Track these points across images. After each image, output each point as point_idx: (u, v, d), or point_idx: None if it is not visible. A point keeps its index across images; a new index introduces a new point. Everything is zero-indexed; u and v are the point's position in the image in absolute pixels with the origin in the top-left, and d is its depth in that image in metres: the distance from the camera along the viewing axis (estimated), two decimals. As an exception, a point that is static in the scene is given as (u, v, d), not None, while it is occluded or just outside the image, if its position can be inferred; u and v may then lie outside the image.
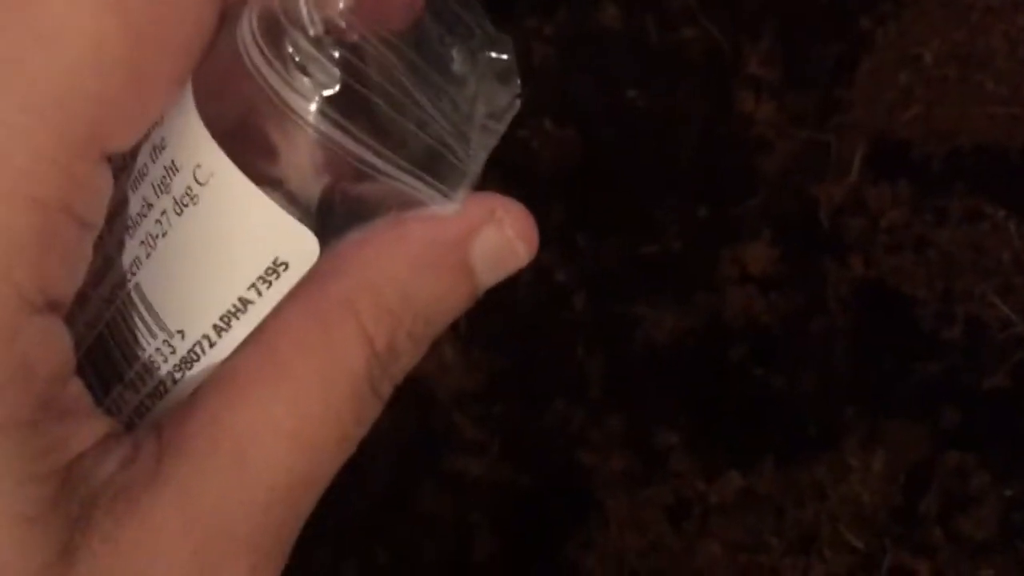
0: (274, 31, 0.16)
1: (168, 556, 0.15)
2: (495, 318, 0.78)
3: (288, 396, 0.16)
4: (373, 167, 0.17)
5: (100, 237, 0.16)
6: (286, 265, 0.17)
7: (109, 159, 0.16)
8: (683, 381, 0.72)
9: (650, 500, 0.68)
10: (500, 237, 0.18)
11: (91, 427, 0.16)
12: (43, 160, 0.14)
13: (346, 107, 0.16)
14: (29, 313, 0.15)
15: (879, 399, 0.66)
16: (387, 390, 0.17)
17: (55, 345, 0.15)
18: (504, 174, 0.77)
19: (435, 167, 0.17)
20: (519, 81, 0.19)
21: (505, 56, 0.18)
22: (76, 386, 0.16)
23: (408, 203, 0.17)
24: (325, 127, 0.16)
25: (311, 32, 0.16)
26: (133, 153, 0.17)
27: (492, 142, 0.18)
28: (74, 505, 0.15)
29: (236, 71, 0.16)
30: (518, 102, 0.19)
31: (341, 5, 0.16)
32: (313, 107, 0.16)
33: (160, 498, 0.16)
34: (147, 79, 0.15)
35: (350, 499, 0.70)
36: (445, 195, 0.17)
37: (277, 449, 0.16)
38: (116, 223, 0.18)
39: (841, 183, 0.72)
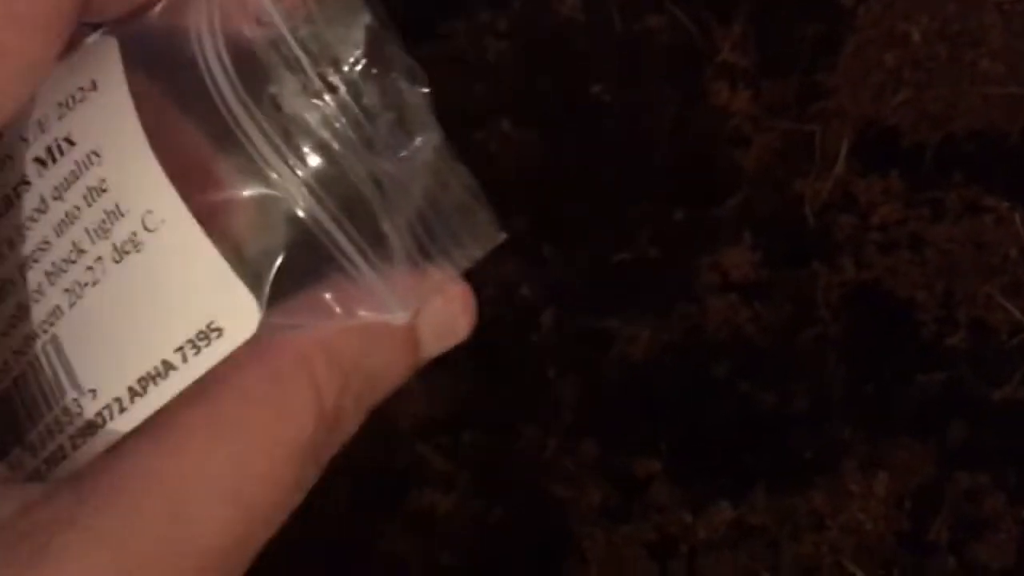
0: (257, 71, 0.16)
1: None
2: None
3: (231, 451, 0.16)
4: (348, 259, 0.16)
5: (9, 282, 0.16)
6: (220, 332, 0.16)
7: None
8: (663, 402, 0.68)
9: (631, 537, 0.64)
10: (446, 311, 0.18)
11: None
12: None
13: (329, 184, 0.16)
14: None
15: (879, 415, 0.62)
16: (326, 458, 0.17)
17: None
18: None
19: (399, 277, 0.17)
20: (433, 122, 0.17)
21: (424, 89, 0.17)
22: None
23: (364, 301, 0.17)
24: (304, 203, 0.16)
25: (312, 85, 0.16)
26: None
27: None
28: None
29: (193, 93, 0.16)
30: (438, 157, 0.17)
31: (356, 53, 0.16)
32: (292, 175, 0.16)
33: (81, 545, 0.15)
34: (5, 59, 0.15)
35: (306, 543, 0.67)
36: (404, 307, 0.17)
37: (214, 508, 0.15)
38: (24, 269, 0.17)
39: (827, 177, 0.67)
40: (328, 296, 0.17)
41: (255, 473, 0.16)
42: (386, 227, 0.16)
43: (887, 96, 0.66)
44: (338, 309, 0.17)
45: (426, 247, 0.17)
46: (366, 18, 0.16)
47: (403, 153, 0.16)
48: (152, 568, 0.15)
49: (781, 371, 0.65)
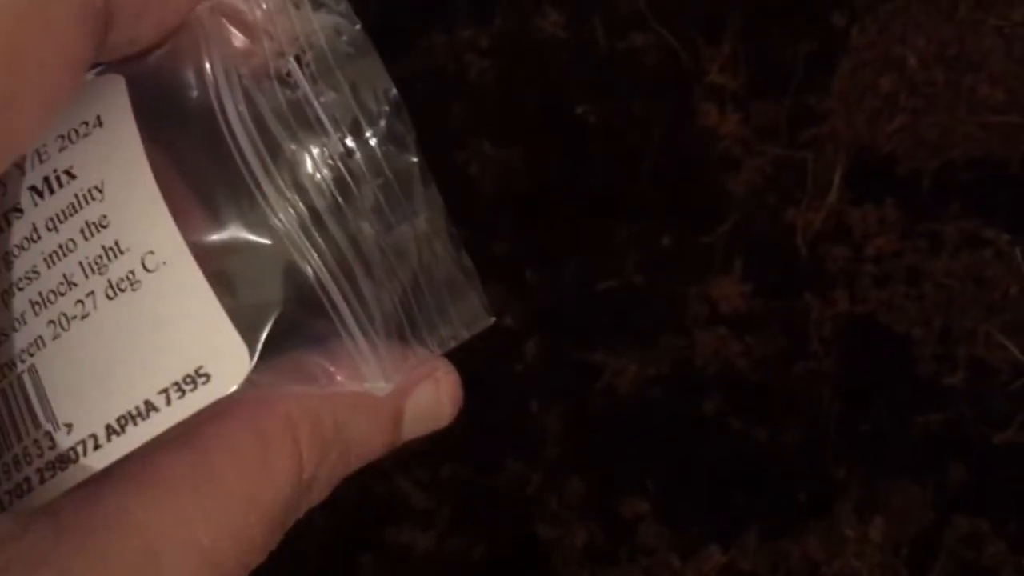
0: (276, 128, 0.16)
1: None
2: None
3: (210, 506, 0.16)
4: (343, 322, 0.16)
5: None
6: (207, 379, 0.16)
7: None
8: (651, 438, 0.65)
9: None
10: (434, 396, 0.19)
11: None
12: None
13: (334, 246, 0.16)
14: None
15: (874, 456, 0.60)
16: (291, 523, 0.17)
17: None
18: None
19: (386, 348, 0.17)
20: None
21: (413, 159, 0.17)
22: None
23: (348, 368, 0.17)
24: (310, 260, 0.16)
25: (330, 149, 0.16)
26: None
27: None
28: None
29: (206, 141, 0.16)
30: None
31: (377, 124, 0.16)
32: (301, 233, 0.16)
33: None
34: (19, 103, 0.15)
35: None
36: (387, 379, 0.17)
37: (186, 562, 0.15)
38: (8, 296, 0.16)
39: (819, 206, 0.65)
40: (315, 359, 0.17)
41: (230, 532, 0.16)
42: (380, 295, 0.17)
43: (882, 122, 0.64)
44: (323, 373, 0.17)
45: (415, 320, 0.17)
46: (390, 89, 0.16)
47: (404, 222, 0.17)
48: None
49: (773, 407, 0.63)
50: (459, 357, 0.18)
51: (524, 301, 0.71)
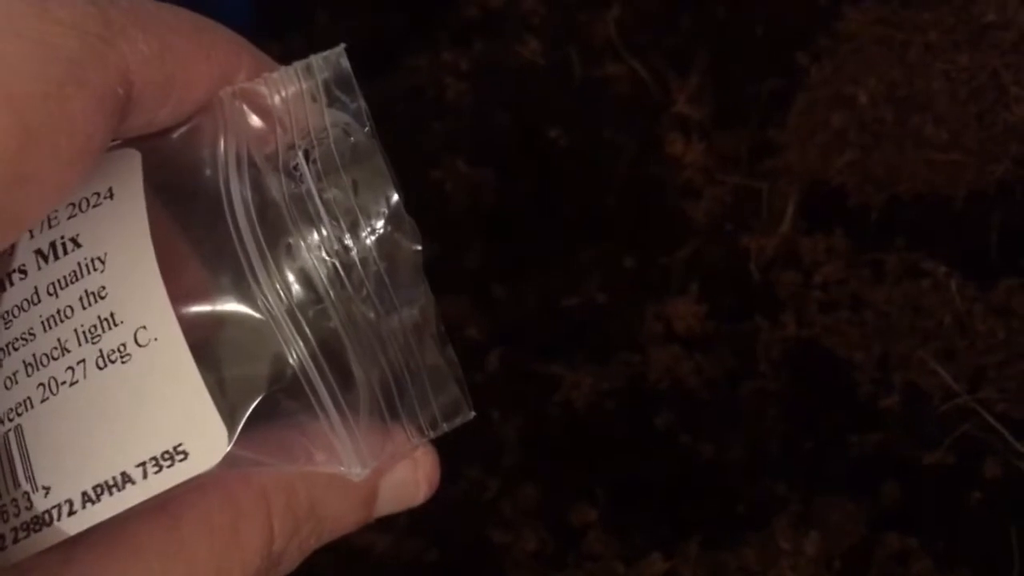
0: (278, 219, 0.16)
1: None
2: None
3: (180, 575, 0.16)
4: (325, 410, 0.16)
5: None
6: (185, 456, 0.16)
7: None
8: (602, 449, 0.67)
9: None
10: (411, 477, 0.19)
11: None
12: None
13: (322, 338, 0.16)
14: None
15: (813, 473, 0.61)
16: None
17: None
18: (414, 218, 0.73)
19: (365, 433, 0.17)
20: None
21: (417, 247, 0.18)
22: None
23: (327, 450, 0.17)
24: (297, 352, 0.16)
25: (327, 245, 0.16)
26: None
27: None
28: None
29: (209, 225, 0.16)
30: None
31: (376, 225, 0.16)
32: (290, 323, 0.16)
33: None
34: (32, 182, 0.15)
35: None
36: (364, 465, 0.17)
37: None
38: (8, 353, 0.17)
39: (773, 233, 0.67)
40: (295, 438, 0.17)
41: None
42: (363, 384, 0.17)
43: (833, 156, 0.66)
44: (303, 453, 0.17)
45: (396, 409, 0.17)
46: (392, 194, 0.17)
47: (394, 313, 0.17)
48: None
49: (720, 423, 0.65)
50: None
51: (489, 314, 0.72)
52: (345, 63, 0.17)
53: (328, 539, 0.18)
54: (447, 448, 0.70)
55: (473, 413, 0.18)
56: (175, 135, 0.17)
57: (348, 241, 0.17)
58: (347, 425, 0.17)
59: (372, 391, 0.17)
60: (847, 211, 0.66)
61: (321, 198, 0.17)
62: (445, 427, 0.18)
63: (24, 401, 0.16)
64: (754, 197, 0.69)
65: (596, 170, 0.77)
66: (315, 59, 0.17)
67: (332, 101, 0.17)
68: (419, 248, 0.17)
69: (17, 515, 0.16)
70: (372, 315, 0.17)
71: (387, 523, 0.68)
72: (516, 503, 0.67)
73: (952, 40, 0.64)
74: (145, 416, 0.16)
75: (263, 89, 0.17)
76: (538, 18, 0.81)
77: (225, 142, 0.17)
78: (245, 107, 0.17)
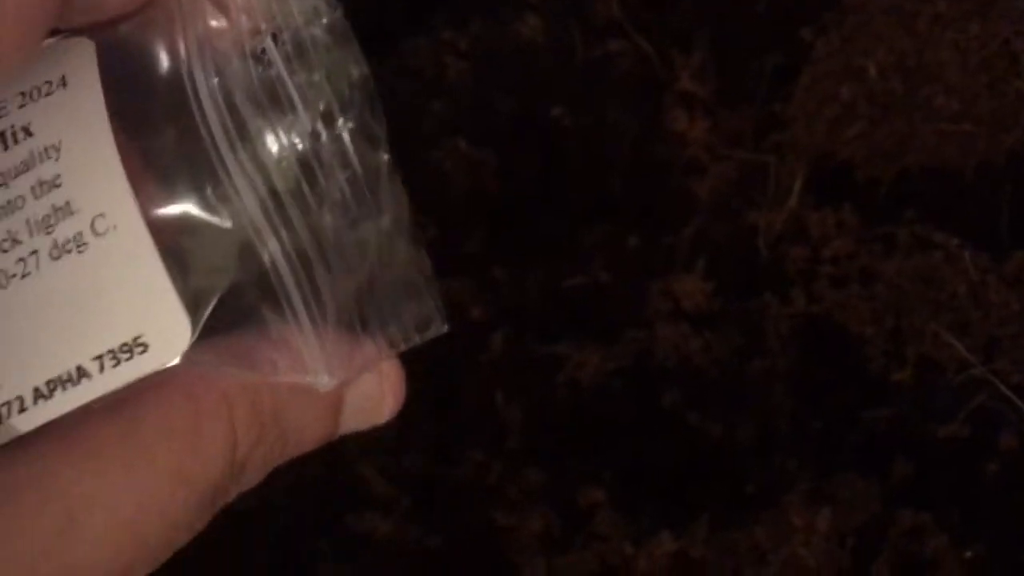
0: (245, 105, 0.15)
1: None
2: (404, 359, 0.73)
3: (137, 479, 0.15)
4: (293, 309, 0.16)
5: None
6: (144, 349, 0.15)
7: None
8: (610, 429, 0.66)
9: (572, 566, 0.62)
10: (376, 388, 0.18)
11: None
12: None
13: (293, 231, 0.15)
14: None
15: (824, 449, 0.61)
16: (220, 506, 0.16)
17: None
18: (414, 200, 0.72)
19: (333, 342, 0.16)
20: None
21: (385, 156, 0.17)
22: None
23: (292, 358, 0.16)
24: (268, 243, 0.15)
25: (299, 131, 0.15)
26: None
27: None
28: None
29: (172, 113, 0.15)
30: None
31: (350, 110, 0.16)
32: (261, 215, 0.15)
33: None
34: None
35: (235, 568, 0.65)
36: (331, 374, 0.16)
37: (108, 533, 0.15)
38: None
39: (781, 209, 0.66)
40: (259, 345, 0.16)
41: (155, 507, 0.15)
42: (334, 288, 0.16)
43: (841, 129, 0.65)
44: (267, 360, 0.16)
45: (366, 317, 0.17)
46: (367, 78, 0.16)
47: (368, 217, 0.16)
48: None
49: (729, 401, 0.64)
50: (426, 347, 0.18)
51: (492, 295, 0.72)
52: None
53: (293, 453, 0.17)
54: (449, 428, 0.68)
55: (447, 327, 0.17)
56: (126, 27, 0.16)
57: (323, 132, 0.16)
58: (317, 331, 0.16)
59: (342, 297, 0.16)
60: (856, 185, 0.66)
61: (293, 83, 0.16)
62: (417, 339, 0.17)
63: None
64: (760, 173, 0.69)
65: (599, 149, 0.76)
66: None
67: None
68: (386, 153, 0.16)
69: None
70: (346, 216, 0.16)
71: (389, 507, 0.67)
72: (521, 486, 0.66)
73: (962, 9, 0.64)
74: (102, 307, 0.15)
75: None
76: (537, -6, 0.81)
77: (184, 32, 0.16)
78: None
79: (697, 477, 0.63)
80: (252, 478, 0.17)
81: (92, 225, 0.15)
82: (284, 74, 0.16)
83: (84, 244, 0.15)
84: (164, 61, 0.16)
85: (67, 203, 0.16)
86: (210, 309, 0.16)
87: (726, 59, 0.74)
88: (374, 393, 0.18)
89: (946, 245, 0.60)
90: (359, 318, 0.17)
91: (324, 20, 0.16)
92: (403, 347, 0.17)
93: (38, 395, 0.15)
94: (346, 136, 0.16)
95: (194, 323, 0.16)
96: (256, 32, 0.16)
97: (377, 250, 0.16)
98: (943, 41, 0.63)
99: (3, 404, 0.15)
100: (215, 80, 0.16)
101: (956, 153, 0.63)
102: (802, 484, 0.59)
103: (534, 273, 0.72)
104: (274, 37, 0.16)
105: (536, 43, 0.79)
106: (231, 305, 0.16)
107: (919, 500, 0.57)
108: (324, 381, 0.17)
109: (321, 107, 0.16)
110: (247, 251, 0.16)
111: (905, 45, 0.64)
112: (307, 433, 0.17)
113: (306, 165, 0.16)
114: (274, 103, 0.16)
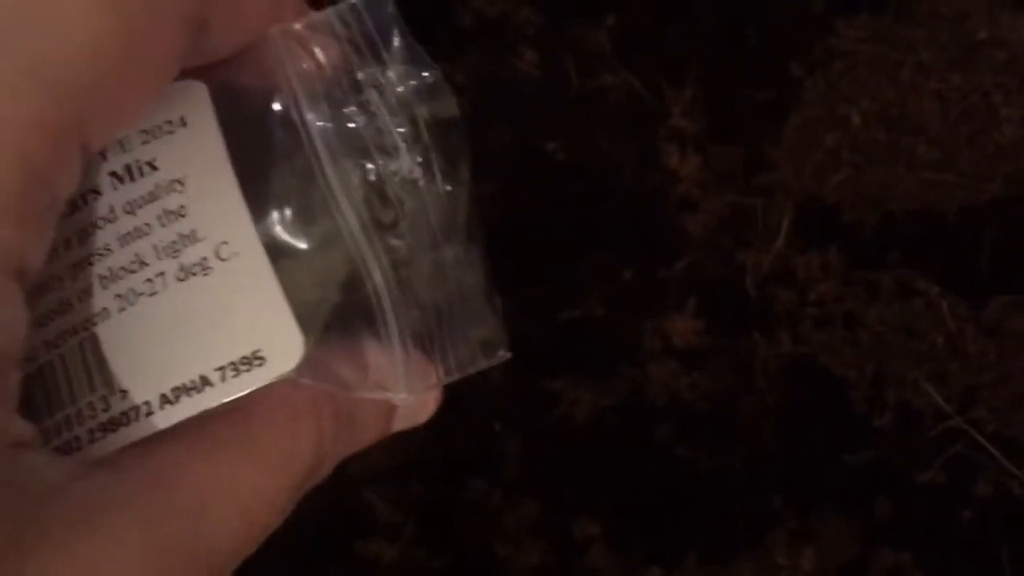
0: (354, 146, 0.17)
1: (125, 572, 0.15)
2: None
3: (251, 471, 0.17)
4: (390, 336, 0.17)
5: (57, 278, 0.16)
6: (262, 362, 0.17)
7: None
8: (603, 464, 0.68)
9: None
10: (423, 398, 0.19)
11: (26, 427, 0.15)
12: (39, 127, 0.15)
13: (397, 263, 0.17)
14: (8, 278, 0.15)
15: (809, 489, 0.63)
16: (302, 493, 0.18)
17: (16, 315, 0.15)
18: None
19: (416, 363, 0.18)
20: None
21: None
22: (15, 377, 0.15)
23: (377, 375, 0.18)
24: (374, 273, 0.17)
25: (402, 173, 0.17)
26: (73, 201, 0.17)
27: None
28: (20, 497, 0.15)
29: (285, 150, 0.17)
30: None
31: (451, 154, 0.17)
32: (369, 246, 0.17)
33: (118, 521, 0.15)
34: (131, 83, 0.16)
35: None
36: (411, 391, 0.18)
37: (228, 518, 0.16)
38: (77, 269, 0.17)
39: (768, 250, 0.68)
40: (350, 360, 0.18)
41: (264, 495, 0.17)
42: (419, 312, 0.18)
43: (827, 175, 0.67)
44: (356, 377, 0.18)
45: (441, 341, 0.18)
46: (455, 115, 0.18)
47: (452, 249, 0.18)
48: (172, 556, 0.16)
49: (718, 439, 0.66)
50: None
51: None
52: (391, 6, 0.18)
53: (356, 448, 0.19)
54: (451, 456, 0.69)
55: (509, 354, 0.19)
56: (229, 68, 0.18)
57: (419, 171, 0.17)
58: (404, 352, 0.18)
59: (424, 322, 0.18)
60: (841, 227, 0.67)
61: (393, 125, 0.17)
62: (483, 363, 0.19)
63: (100, 311, 0.17)
64: (750, 212, 0.70)
65: (594, 182, 0.77)
66: (359, 1, 0.18)
67: (386, 41, 0.18)
68: (469, 191, 0.18)
69: (93, 417, 0.17)
70: (436, 248, 0.17)
71: (395, 532, 0.69)
72: (518, 517, 0.67)
73: (945, 59, 0.65)
74: (225, 324, 0.17)
75: (314, 28, 0.18)
76: (533, 28, 0.81)
77: (292, 74, 0.17)
78: (299, 44, 0.18)
79: (687, 512, 0.65)
80: (327, 470, 0.19)
81: (216, 252, 0.17)
82: (388, 120, 0.17)
83: (209, 268, 0.17)
84: (274, 103, 0.17)
85: (192, 231, 0.17)
86: (321, 328, 0.17)
87: (717, 94, 0.74)
88: (420, 401, 0.20)
89: (927, 292, 0.62)
90: (435, 341, 0.18)
91: (426, 75, 0.18)
92: (470, 370, 0.19)
93: (164, 401, 0.17)
94: (439, 175, 0.17)
95: (307, 339, 0.17)
96: (354, 80, 0.18)
97: (456, 279, 0.18)
98: (926, 91, 0.64)
99: (131, 408, 0.17)
100: (326, 122, 0.17)
101: (938, 200, 0.64)
102: (788, 521, 0.61)
103: (531, 304, 0.73)
104: (375, 86, 0.18)
105: (532, 77, 0.79)
106: (336, 325, 0.17)
107: (899, 540, 0.59)
108: (402, 397, 0.18)
109: (419, 149, 0.17)
110: (351, 278, 0.17)
111: (889, 95, 0.65)
112: (369, 432, 0.19)
113: (404, 201, 0.17)
114: (379, 145, 0.17)
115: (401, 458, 0.70)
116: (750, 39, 0.76)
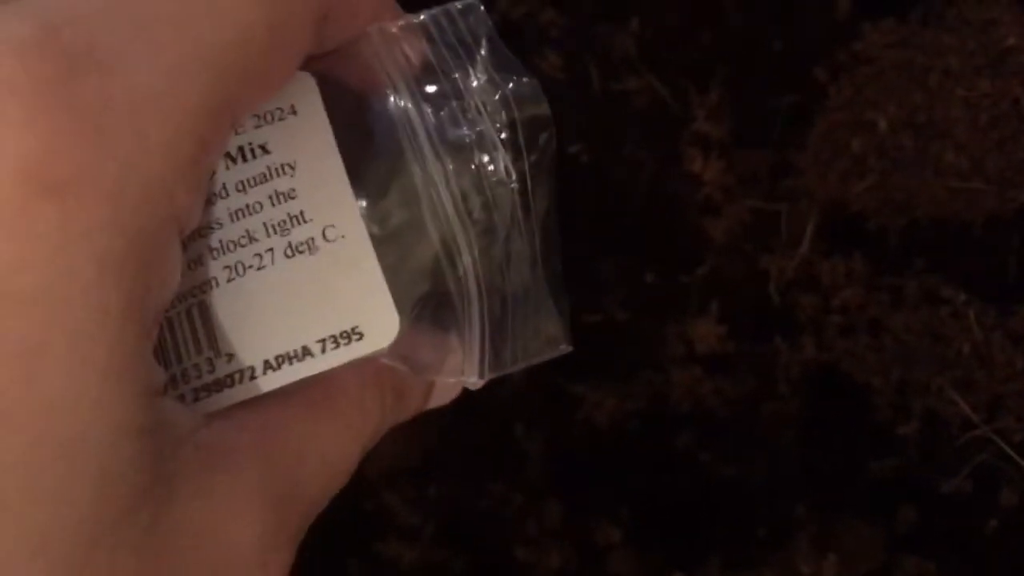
0: (452, 143, 0.18)
1: (248, 514, 0.17)
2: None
3: (335, 430, 0.19)
4: (470, 323, 0.18)
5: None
6: (360, 336, 0.18)
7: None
8: (626, 469, 0.68)
9: None
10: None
11: (163, 375, 0.17)
12: (206, 105, 0.16)
13: (483, 255, 0.18)
14: (176, 235, 0.16)
15: (832, 496, 0.62)
16: (363, 457, 0.20)
17: (176, 274, 0.16)
18: None
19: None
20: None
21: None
22: (156, 331, 0.17)
23: (455, 359, 0.19)
24: (463, 264, 0.18)
25: (498, 170, 0.18)
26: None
27: None
28: (163, 441, 0.16)
29: (388, 143, 0.18)
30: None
31: (537, 154, 0.18)
32: (462, 237, 0.18)
33: (242, 464, 0.17)
34: (272, 69, 0.17)
35: None
36: (482, 376, 0.19)
37: (320, 473, 0.18)
38: (190, 240, 0.18)
39: (792, 255, 0.68)
40: (439, 345, 0.19)
41: (342, 453, 0.19)
42: (502, 304, 0.19)
43: (852, 181, 0.66)
44: (435, 360, 0.19)
45: (511, 330, 0.19)
46: (546, 114, 0.19)
47: (532, 243, 0.19)
48: (280, 497, 0.18)
49: (741, 445, 0.66)
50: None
51: (512, 330, 0.73)
52: (483, 13, 0.19)
53: (401, 419, 0.21)
54: (471, 459, 0.70)
55: (571, 347, 0.19)
56: (332, 59, 0.19)
57: (513, 173, 0.18)
58: (482, 338, 0.19)
59: (503, 310, 0.19)
60: (866, 234, 0.67)
61: (493, 128, 0.18)
62: (547, 354, 0.19)
63: (209, 281, 0.18)
64: (773, 217, 0.70)
65: (617, 186, 0.77)
66: (453, 7, 0.19)
67: (479, 46, 0.19)
68: (552, 189, 0.19)
69: (199, 377, 0.18)
70: (520, 240, 0.18)
71: (415, 534, 0.69)
72: (540, 521, 0.67)
73: (973, 65, 0.64)
74: (328, 299, 0.18)
75: (410, 30, 0.19)
76: (557, 30, 0.81)
77: (390, 70, 0.18)
78: (396, 44, 0.19)
79: (709, 518, 0.64)
80: (379, 438, 0.20)
81: (323, 233, 0.18)
82: (488, 122, 0.18)
83: (316, 248, 0.18)
84: (377, 96, 0.19)
85: (301, 212, 0.18)
86: (415, 310, 0.18)
87: (742, 98, 0.74)
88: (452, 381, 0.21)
89: (953, 300, 0.61)
90: (508, 330, 0.19)
91: (524, 79, 0.19)
92: (534, 360, 0.19)
93: (267, 366, 0.18)
94: (528, 173, 0.18)
95: (402, 319, 0.18)
96: (453, 82, 0.19)
97: (534, 273, 0.19)
98: (953, 97, 0.64)
99: (236, 371, 0.18)
100: (429, 119, 0.18)
101: (965, 208, 0.64)
102: (810, 528, 0.61)
103: (553, 309, 0.73)
104: (475, 89, 0.19)
105: (556, 79, 0.79)
106: (422, 309, 0.19)
107: (922, 548, 0.59)
108: (473, 381, 0.19)
109: (513, 150, 0.18)
110: (440, 266, 0.18)
111: (916, 100, 0.65)
112: (413, 404, 0.21)
113: (495, 198, 0.18)
114: (476, 143, 0.18)
115: (421, 459, 0.70)
116: (775, 43, 0.76)
